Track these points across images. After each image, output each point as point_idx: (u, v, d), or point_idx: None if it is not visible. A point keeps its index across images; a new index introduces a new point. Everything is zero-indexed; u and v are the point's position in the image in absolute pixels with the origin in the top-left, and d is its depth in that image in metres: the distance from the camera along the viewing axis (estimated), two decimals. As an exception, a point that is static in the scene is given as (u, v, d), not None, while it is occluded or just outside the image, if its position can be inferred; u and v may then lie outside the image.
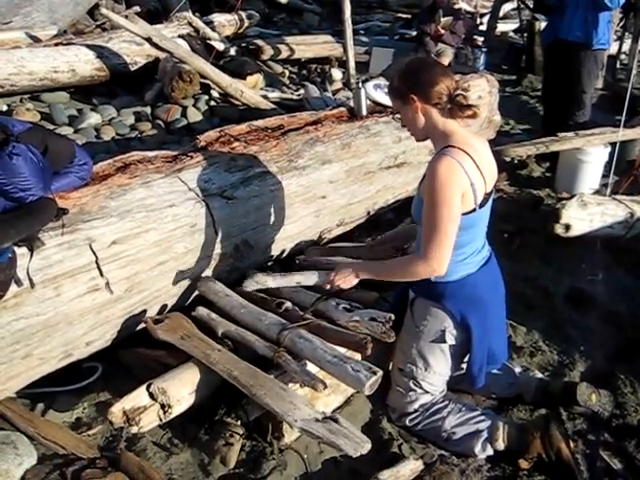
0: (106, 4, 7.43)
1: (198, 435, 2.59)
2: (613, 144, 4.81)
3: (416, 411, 2.70)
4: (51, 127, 4.95)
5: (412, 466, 2.52)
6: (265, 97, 5.96)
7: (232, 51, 6.95)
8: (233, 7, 7.58)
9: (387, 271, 2.59)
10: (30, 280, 2.35)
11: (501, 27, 9.69)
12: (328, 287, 2.68)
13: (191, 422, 2.62)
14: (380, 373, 2.37)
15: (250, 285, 2.96)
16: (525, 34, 9.03)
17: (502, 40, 9.68)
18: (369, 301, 2.90)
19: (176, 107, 5.57)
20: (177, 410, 2.44)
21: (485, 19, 9.31)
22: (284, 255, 3.48)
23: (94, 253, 2.54)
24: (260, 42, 7.29)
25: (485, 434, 2.62)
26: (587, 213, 4.10)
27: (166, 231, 2.79)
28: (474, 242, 2.48)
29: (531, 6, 7.92)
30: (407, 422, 2.72)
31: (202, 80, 5.76)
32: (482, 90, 4.88)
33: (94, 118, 5.30)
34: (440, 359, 2.62)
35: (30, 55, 5.47)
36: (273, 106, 5.77)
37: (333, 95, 6.48)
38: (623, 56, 8.63)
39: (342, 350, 2.53)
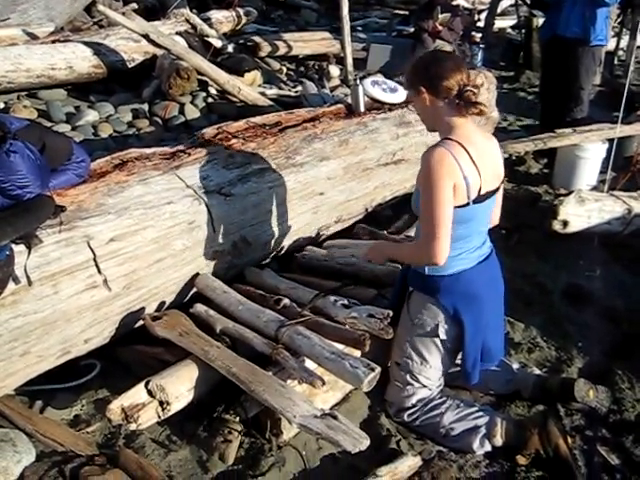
0: (103, 1, 7.40)
1: (197, 432, 2.60)
2: (611, 140, 4.82)
3: (414, 406, 2.71)
4: (48, 124, 4.93)
5: (410, 462, 2.52)
6: (263, 94, 5.95)
7: (230, 48, 6.93)
8: (231, 4, 7.57)
9: (400, 255, 2.71)
10: (28, 278, 2.35)
11: (499, 23, 9.68)
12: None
13: (189, 419, 2.62)
14: (378, 369, 2.37)
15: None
16: (523, 30, 9.04)
17: (500, 36, 9.68)
18: (367, 298, 2.90)
19: (174, 104, 5.55)
20: (175, 407, 2.44)
21: (483, 15, 9.32)
22: (282, 252, 3.48)
23: (92, 250, 2.54)
24: (258, 39, 7.27)
25: (483, 430, 2.62)
26: (585, 209, 4.10)
27: (164, 228, 2.79)
28: (470, 238, 2.47)
29: (529, 2, 7.90)
30: (405, 417, 2.72)
31: (200, 77, 5.74)
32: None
33: (91, 115, 5.29)
34: (435, 353, 2.63)
35: (27, 52, 5.45)
36: (271, 103, 5.76)
37: (331, 92, 6.48)
38: (621, 52, 8.65)
39: (340, 347, 2.54)
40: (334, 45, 7.69)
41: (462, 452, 2.64)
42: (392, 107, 4.27)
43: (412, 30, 8.40)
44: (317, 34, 8.02)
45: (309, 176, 3.45)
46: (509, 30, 10.24)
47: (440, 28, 7.49)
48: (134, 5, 7.33)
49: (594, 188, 4.86)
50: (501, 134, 5.76)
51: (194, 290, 3.01)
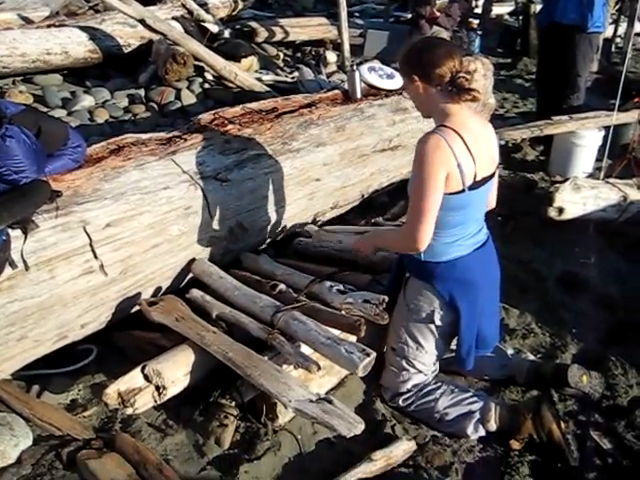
0: (99, -15, 7.36)
1: (193, 416, 2.61)
2: (607, 128, 4.81)
3: (409, 391, 2.73)
4: (44, 109, 4.92)
5: (405, 446, 2.55)
6: (259, 80, 5.93)
7: (226, 33, 6.90)
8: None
9: (386, 242, 2.77)
10: (24, 262, 2.35)
11: (496, 10, 9.66)
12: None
13: (186, 403, 2.63)
14: (373, 355, 2.38)
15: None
16: (520, 17, 9.01)
17: (497, 23, 9.66)
18: (363, 283, 2.91)
19: (170, 89, 5.53)
20: (172, 392, 2.45)
21: (480, 2, 9.25)
22: (279, 238, 3.48)
23: (88, 235, 2.54)
24: (254, 24, 7.24)
25: (477, 415, 2.64)
26: (580, 196, 4.11)
27: (160, 213, 2.79)
28: (466, 224, 2.47)
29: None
30: (400, 402, 2.74)
31: (196, 62, 5.72)
32: (477, 73, 4.87)
33: (87, 100, 5.27)
34: (430, 339, 2.64)
35: (22, 37, 5.41)
36: (267, 89, 5.74)
37: (327, 78, 6.46)
38: (618, 39, 8.64)
39: (336, 332, 2.55)
40: (331, 31, 7.66)
41: (456, 437, 2.66)
42: (389, 93, 4.26)
43: (409, 16, 8.35)
44: (314, 20, 7.98)
45: (305, 162, 3.45)
46: (507, 17, 10.21)
47: (437, 14, 7.46)
48: (130, -11, 7.26)
49: (590, 175, 4.87)
50: (498, 121, 5.78)
51: (190, 275, 3.01)
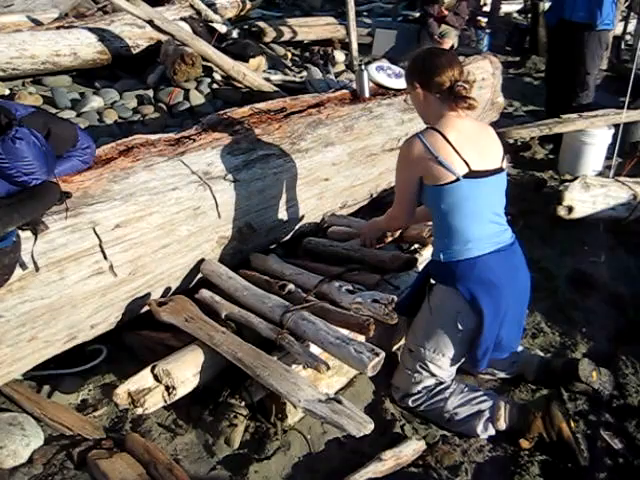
0: (107, -13, 7.39)
1: (202, 416, 2.62)
2: (617, 126, 4.79)
3: (419, 392, 2.72)
4: (54, 111, 4.94)
5: (415, 446, 2.54)
6: (267, 80, 5.94)
7: (234, 33, 6.92)
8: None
9: (382, 223, 3.06)
10: (35, 263, 2.36)
11: (505, 8, 9.64)
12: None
13: (195, 403, 2.64)
14: (383, 354, 2.38)
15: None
16: (529, 15, 8.97)
17: (506, 21, 9.63)
18: (371, 283, 2.91)
19: (178, 90, 5.55)
20: (181, 392, 2.46)
21: (489, 0, 9.25)
22: (287, 237, 3.48)
23: (98, 236, 2.55)
24: (262, 24, 7.26)
25: (487, 414, 2.64)
26: (590, 195, 4.10)
27: (169, 214, 2.80)
28: (478, 220, 2.48)
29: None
30: (410, 403, 2.74)
31: (204, 63, 5.73)
32: (485, 72, 4.86)
33: (96, 102, 5.29)
34: (449, 344, 2.63)
35: (32, 38, 5.45)
36: (276, 89, 5.75)
37: (336, 77, 6.46)
38: (628, 37, 8.59)
39: (345, 332, 2.55)
40: (339, 30, 7.67)
41: (466, 436, 2.66)
42: (397, 92, 4.26)
43: (418, 15, 8.37)
44: (322, 19, 8.00)
45: (314, 162, 3.45)
46: (515, 14, 10.18)
47: (446, 13, 7.46)
48: (138, -9, 7.28)
49: (600, 174, 4.85)
50: (506, 119, 5.77)
51: (200, 276, 3.02)
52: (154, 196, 2.78)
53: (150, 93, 5.60)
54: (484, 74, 4.83)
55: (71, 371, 2.81)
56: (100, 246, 2.55)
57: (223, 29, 6.81)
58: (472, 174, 2.42)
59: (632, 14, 8.37)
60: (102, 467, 2.30)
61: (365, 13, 9.22)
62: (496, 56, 5.29)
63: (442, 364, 2.69)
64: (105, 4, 6.95)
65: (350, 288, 2.75)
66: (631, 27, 8.41)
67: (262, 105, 3.73)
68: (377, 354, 2.36)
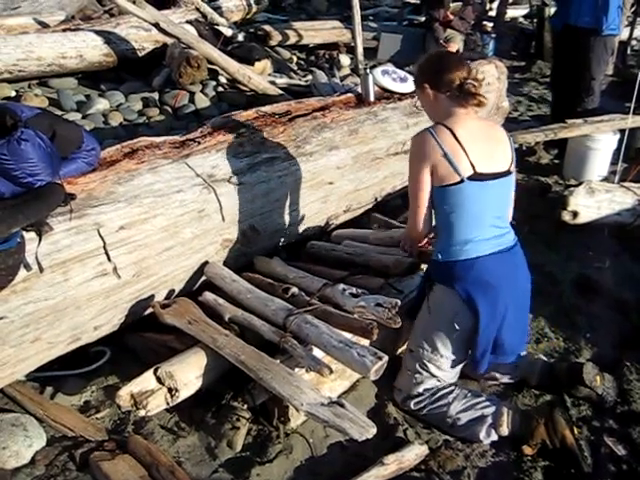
0: (114, -11, 7.41)
1: (205, 419, 2.62)
2: (622, 131, 4.79)
3: (421, 394, 2.72)
4: (59, 113, 4.95)
5: (417, 451, 2.54)
6: (273, 83, 5.95)
7: (240, 37, 6.93)
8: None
9: (404, 235, 3.03)
10: (39, 265, 2.37)
11: (511, 13, 9.62)
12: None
13: (198, 406, 2.64)
14: (386, 358, 2.38)
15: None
16: (535, 20, 8.97)
17: (512, 26, 9.61)
18: (375, 287, 2.91)
19: (184, 93, 5.56)
20: (184, 394, 2.46)
21: (495, 5, 9.23)
22: (291, 241, 3.48)
23: (102, 238, 2.55)
24: (268, 28, 7.26)
25: (490, 420, 2.63)
26: (595, 200, 4.09)
27: (173, 216, 2.80)
28: (482, 221, 2.49)
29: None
30: (412, 405, 2.74)
31: (210, 66, 5.74)
32: (491, 76, 4.85)
33: (102, 104, 5.30)
34: (447, 344, 2.64)
35: (38, 41, 5.46)
36: (281, 92, 5.76)
37: (341, 81, 6.46)
38: (634, 42, 8.57)
39: (348, 335, 2.54)
40: (344, 34, 7.67)
41: (469, 441, 2.65)
42: (402, 97, 4.26)
43: (423, 19, 8.35)
44: (328, 23, 8.00)
45: (318, 165, 3.45)
46: (521, 19, 10.16)
47: (451, 17, 7.44)
48: (145, -7, 7.31)
49: (605, 179, 4.84)
50: (512, 124, 5.76)
51: (203, 278, 3.02)
52: (158, 198, 2.79)
53: (155, 96, 5.61)
54: (490, 78, 4.82)
55: (74, 372, 2.81)
56: (104, 248, 2.56)
57: (229, 32, 6.82)
58: (477, 176, 2.43)
59: (638, 19, 8.36)
60: (104, 469, 2.30)
61: (371, 17, 9.23)
62: (502, 61, 5.28)
63: (441, 364, 2.69)
64: (111, 7, 6.96)
65: (354, 292, 2.75)
66: (637, 32, 8.40)
67: (267, 108, 3.74)
68: (380, 358, 2.36)
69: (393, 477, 2.44)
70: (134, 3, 5.78)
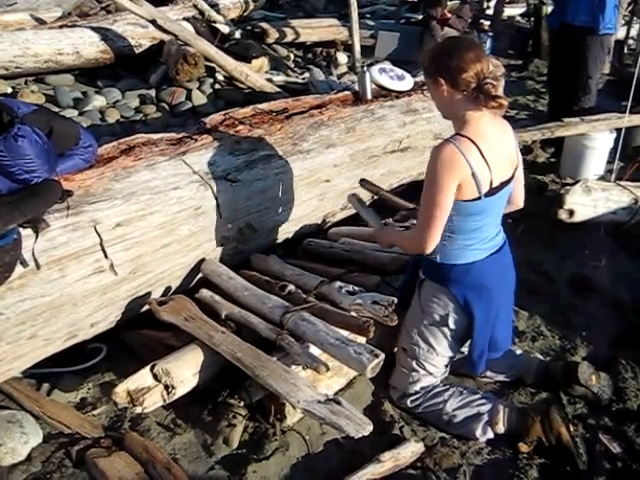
0: (111, -14, 7.39)
1: (201, 416, 2.62)
2: (619, 130, 4.79)
3: (417, 392, 2.73)
4: (56, 109, 4.93)
5: (413, 448, 2.54)
6: (270, 80, 5.94)
7: (237, 34, 6.92)
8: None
9: (399, 241, 2.75)
10: (35, 261, 2.37)
11: (508, 11, 9.62)
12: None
13: (194, 403, 2.64)
14: (382, 356, 2.39)
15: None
16: (532, 18, 8.97)
17: (509, 24, 9.60)
18: (371, 285, 2.91)
19: (181, 90, 5.55)
20: (181, 391, 2.46)
21: (492, 3, 9.24)
22: (288, 238, 3.48)
23: (99, 235, 2.55)
24: (265, 25, 7.25)
25: (486, 417, 2.64)
26: (591, 199, 4.10)
27: (170, 213, 2.80)
28: (483, 229, 2.46)
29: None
30: (408, 403, 2.74)
31: (207, 63, 5.73)
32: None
33: (99, 101, 5.29)
34: (442, 342, 2.64)
35: (35, 37, 5.45)
36: (278, 89, 5.75)
37: (338, 79, 6.46)
38: (631, 41, 8.58)
39: (345, 333, 2.55)
40: (342, 32, 7.65)
41: (465, 439, 2.66)
42: (399, 94, 4.26)
43: (420, 17, 8.36)
44: (325, 21, 7.98)
45: (315, 163, 3.45)
46: (518, 18, 10.16)
47: (449, 15, 7.46)
48: (142, -10, 7.29)
49: (601, 178, 4.85)
50: (509, 123, 5.75)
51: (200, 275, 3.02)
52: (155, 195, 2.78)
53: (152, 93, 5.60)
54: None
55: (71, 369, 2.82)
56: (101, 245, 2.56)
57: (226, 30, 6.82)
58: (491, 191, 2.34)
59: (635, 18, 8.37)
60: (100, 466, 2.30)
61: (368, 15, 9.21)
62: (499, 59, 5.29)
63: (436, 362, 2.69)
64: (108, 3, 6.96)
65: (350, 289, 2.75)
66: (634, 31, 8.41)
67: (264, 106, 3.73)
68: (377, 355, 2.37)
69: (389, 474, 2.44)
70: (131, 0, 5.77)
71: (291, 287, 2.84)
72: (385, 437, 2.62)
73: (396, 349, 2.82)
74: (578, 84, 5.27)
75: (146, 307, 2.83)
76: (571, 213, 4.04)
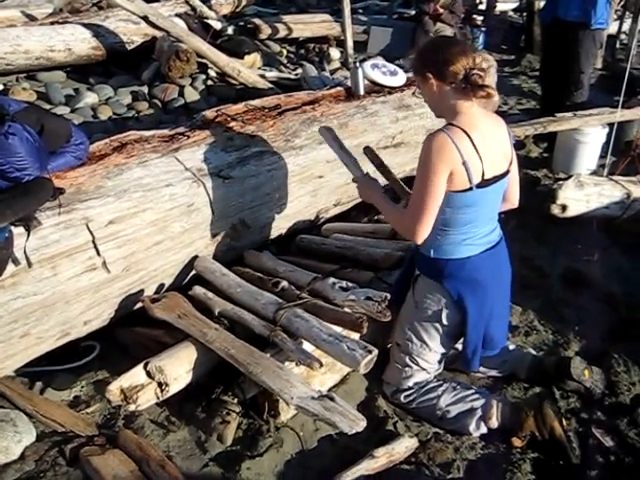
0: (102, -18, 7.36)
1: (195, 413, 2.62)
2: (611, 125, 4.80)
3: (411, 388, 2.73)
4: (47, 107, 4.93)
5: (407, 443, 2.55)
6: (262, 76, 5.94)
7: (229, 30, 6.91)
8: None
9: (385, 212, 2.68)
10: (27, 259, 2.36)
11: (500, 6, 9.63)
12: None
13: (188, 400, 2.64)
14: (375, 352, 2.39)
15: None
16: (524, 13, 8.98)
17: (501, 19, 9.62)
18: (365, 280, 2.92)
19: (173, 86, 5.54)
20: (174, 388, 2.46)
21: (484, -2, 9.26)
22: (281, 235, 3.48)
23: (91, 233, 2.54)
24: (258, 21, 7.24)
25: (479, 412, 2.64)
26: (584, 194, 4.10)
27: (163, 211, 2.80)
28: (476, 223, 2.46)
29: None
30: (402, 398, 2.74)
31: (199, 59, 5.73)
32: (480, 70, 4.85)
33: (91, 98, 5.28)
34: (435, 337, 2.64)
35: (26, 34, 5.43)
36: (270, 85, 5.75)
37: (331, 75, 6.46)
38: (623, 36, 8.59)
39: (338, 329, 2.55)
40: (334, 28, 7.65)
41: (458, 434, 2.66)
42: (392, 90, 4.25)
43: (413, 13, 8.36)
44: (317, 16, 7.98)
45: (308, 159, 3.45)
46: (511, 13, 10.18)
47: (441, 11, 7.45)
48: (133, -14, 7.26)
49: (594, 172, 4.86)
50: (501, 118, 5.75)
51: (193, 272, 3.02)
52: (148, 192, 2.78)
53: (145, 89, 5.59)
54: (479, 72, 4.82)
55: (64, 367, 2.81)
56: (93, 242, 2.55)
57: (218, 26, 6.80)
58: (483, 183, 2.35)
59: (627, 13, 8.38)
60: (94, 464, 2.30)
61: (360, 10, 9.21)
62: (491, 54, 5.30)
63: (429, 358, 2.70)
64: (100, 0, 6.93)
65: (343, 285, 2.75)
66: (626, 26, 8.41)
67: (257, 102, 3.73)
68: (370, 351, 2.37)
69: (383, 470, 2.45)
70: (123, -4, 5.75)
71: (284, 283, 2.84)
72: (379, 433, 2.63)
73: (390, 345, 2.83)
74: (570, 79, 5.27)
75: (139, 305, 2.82)
76: (564, 208, 4.05)
